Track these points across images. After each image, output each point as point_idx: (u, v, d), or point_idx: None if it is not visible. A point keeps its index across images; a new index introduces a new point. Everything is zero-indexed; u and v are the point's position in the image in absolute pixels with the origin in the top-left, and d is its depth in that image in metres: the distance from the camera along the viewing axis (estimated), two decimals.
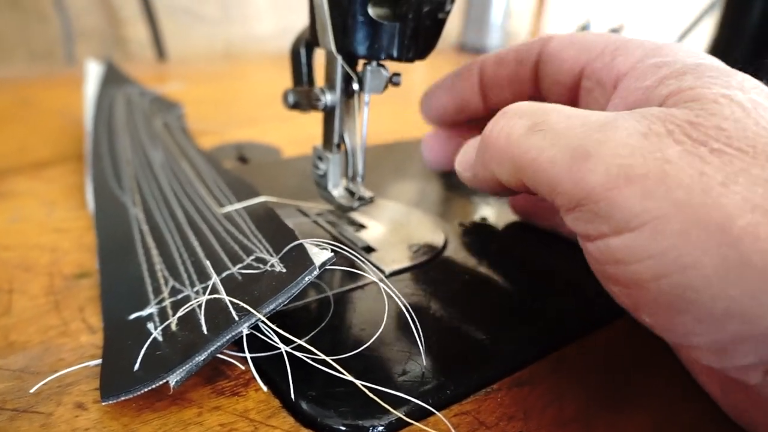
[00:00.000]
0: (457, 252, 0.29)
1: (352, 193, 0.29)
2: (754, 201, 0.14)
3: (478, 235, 0.31)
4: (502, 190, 0.22)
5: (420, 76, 0.76)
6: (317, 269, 0.20)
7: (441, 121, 0.33)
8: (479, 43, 0.95)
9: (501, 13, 0.93)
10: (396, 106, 0.59)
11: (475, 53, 0.95)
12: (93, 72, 0.52)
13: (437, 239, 0.30)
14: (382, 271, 0.26)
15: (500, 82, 0.29)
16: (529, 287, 0.26)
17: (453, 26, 1.02)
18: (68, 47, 0.66)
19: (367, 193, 0.29)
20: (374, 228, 0.30)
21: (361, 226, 0.30)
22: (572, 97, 0.26)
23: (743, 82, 0.18)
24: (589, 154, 0.16)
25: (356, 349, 0.21)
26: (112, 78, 0.51)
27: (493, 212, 0.34)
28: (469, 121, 0.32)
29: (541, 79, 0.27)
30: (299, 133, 0.48)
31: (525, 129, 0.19)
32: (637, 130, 0.16)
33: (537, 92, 0.28)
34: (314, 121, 0.29)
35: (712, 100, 0.16)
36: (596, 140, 0.17)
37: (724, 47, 0.49)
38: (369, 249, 0.28)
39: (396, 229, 0.30)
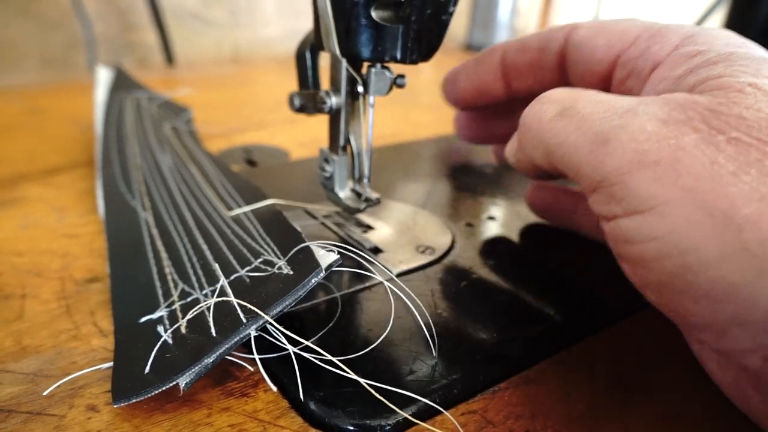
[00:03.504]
0: (464, 252, 0.29)
1: (358, 195, 0.29)
2: (762, 191, 0.14)
3: (485, 235, 0.31)
4: (539, 173, 0.23)
5: (427, 76, 0.76)
6: (323, 271, 0.20)
7: (462, 104, 0.33)
8: (486, 42, 0.95)
9: (508, 11, 0.93)
10: (403, 107, 0.59)
11: None
12: (103, 78, 0.52)
13: (444, 240, 0.30)
14: (389, 272, 0.26)
15: (522, 68, 0.29)
16: (537, 287, 0.26)
17: (460, 25, 1.02)
18: (91, 53, 0.67)
19: (373, 195, 0.29)
20: (382, 229, 0.30)
21: (369, 228, 0.31)
22: (604, 86, 0.25)
23: None
24: (608, 140, 0.17)
25: (364, 350, 0.21)
26: (122, 84, 0.52)
27: (500, 212, 0.34)
28: (489, 106, 0.32)
29: (570, 66, 0.27)
30: (307, 135, 0.48)
31: (554, 114, 0.20)
32: (657, 116, 0.17)
33: (562, 79, 0.28)
34: (321, 123, 0.29)
35: (737, 90, 0.17)
36: (616, 126, 0.17)
37: None
38: (376, 250, 0.28)
39: (403, 230, 0.31)
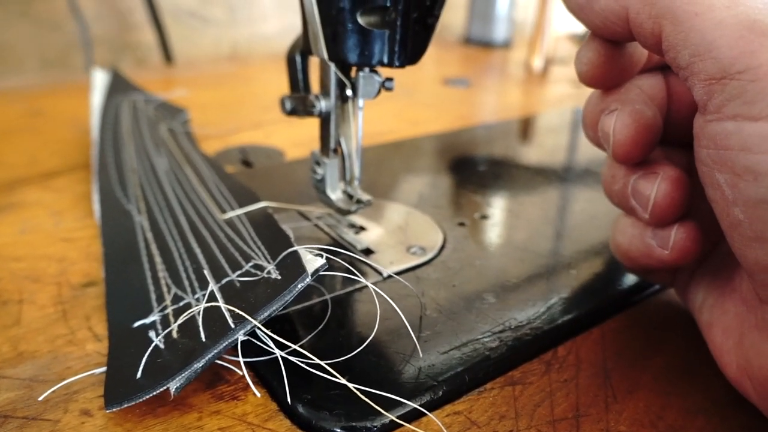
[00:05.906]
0: (455, 252, 0.29)
1: (350, 197, 0.30)
2: None
3: (477, 234, 0.31)
4: (609, 28, 0.19)
5: (428, 72, 0.76)
6: (309, 277, 0.21)
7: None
8: (485, 36, 0.94)
9: (506, 3, 0.92)
10: (401, 104, 0.59)
11: (481, 46, 0.94)
12: (99, 80, 0.53)
13: (436, 240, 0.30)
14: (380, 274, 0.27)
15: None
16: (524, 289, 0.27)
17: (458, 19, 1.01)
18: (87, 55, 0.67)
19: (364, 196, 0.29)
20: (374, 230, 0.31)
21: (361, 228, 0.31)
22: None
23: None
24: None
25: (351, 353, 0.21)
26: (118, 86, 0.52)
27: (493, 211, 0.34)
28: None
29: None
30: (303, 135, 0.48)
31: None
32: None
33: None
34: (317, 123, 0.29)
35: None
36: None
37: None
38: (368, 251, 0.29)
39: (395, 231, 0.31)
